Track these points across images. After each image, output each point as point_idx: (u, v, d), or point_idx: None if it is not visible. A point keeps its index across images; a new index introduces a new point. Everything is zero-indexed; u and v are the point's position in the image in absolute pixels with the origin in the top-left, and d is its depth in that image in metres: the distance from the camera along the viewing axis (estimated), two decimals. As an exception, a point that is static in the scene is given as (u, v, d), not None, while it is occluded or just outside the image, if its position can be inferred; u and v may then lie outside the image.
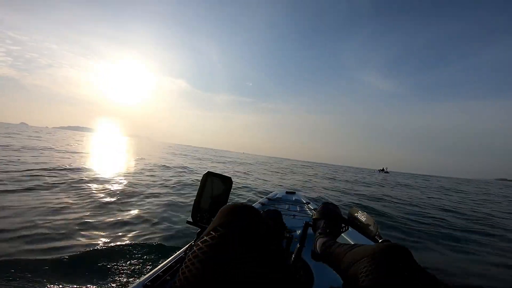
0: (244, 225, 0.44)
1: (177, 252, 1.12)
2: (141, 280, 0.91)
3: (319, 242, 0.90)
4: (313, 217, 1.13)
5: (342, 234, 1.53)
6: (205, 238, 0.42)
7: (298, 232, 1.96)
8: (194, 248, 0.42)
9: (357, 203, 7.01)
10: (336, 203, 1.27)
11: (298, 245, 1.09)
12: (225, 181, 1.15)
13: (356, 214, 2.46)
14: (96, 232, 2.77)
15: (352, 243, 1.64)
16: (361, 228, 2.27)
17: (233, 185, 1.17)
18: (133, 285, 0.88)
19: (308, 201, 2.98)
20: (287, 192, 3.42)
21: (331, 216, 1.07)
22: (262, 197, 3.26)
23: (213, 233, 0.42)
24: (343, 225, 1.08)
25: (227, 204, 0.54)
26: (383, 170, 68.91)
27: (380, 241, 1.86)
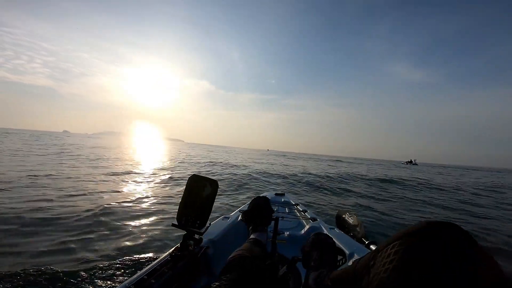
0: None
1: (162, 256, 1.11)
2: (124, 283, 0.90)
3: (312, 276, 0.72)
4: (303, 249, 0.90)
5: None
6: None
7: (286, 233, 1.90)
8: None
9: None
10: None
11: (288, 278, 0.88)
12: (211, 184, 1.13)
13: (343, 216, 2.37)
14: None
15: (343, 247, 1.51)
16: (347, 229, 2.18)
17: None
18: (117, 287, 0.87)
19: (298, 202, 2.93)
20: (276, 194, 3.38)
21: (325, 247, 0.86)
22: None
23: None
24: (340, 257, 0.88)
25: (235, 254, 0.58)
26: (411, 162, 65.72)
27: (366, 242, 1.78)
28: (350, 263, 1.00)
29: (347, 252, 1.38)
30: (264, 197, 1.29)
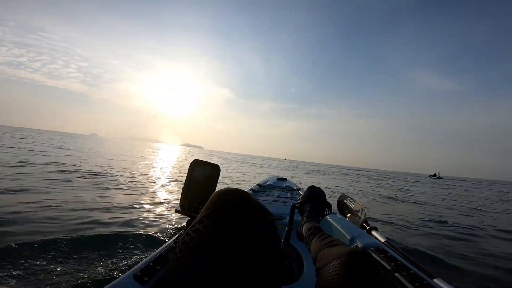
0: (228, 216, 0.39)
1: (168, 242, 1.10)
2: (131, 270, 0.89)
3: (305, 227, 0.93)
4: (300, 200, 1.17)
5: (331, 220, 1.62)
6: (189, 231, 0.39)
7: (287, 218, 1.89)
8: (182, 238, 0.40)
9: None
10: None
11: (286, 228, 1.17)
12: (213, 169, 1.12)
13: (345, 201, 2.34)
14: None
15: (341, 231, 1.53)
16: (349, 214, 2.13)
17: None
18: (123, 275, 0.87)
19: (299, 187, 2.92)
20: (278, 179, 3.38)
21: (316, 200, 1.12)
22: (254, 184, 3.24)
23: (198, 226, 0.39)
24: (326, 209, 1.11)
25: (217, 190, 0.48)
26: (435, 175, 62.44)
27: (368, 228, 1.79)
28: (348, 236, 1.33)
29: (347, 236, 1.44)
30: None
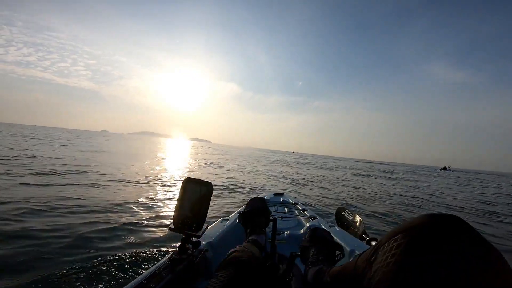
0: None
1: (162, 260, 1.10)
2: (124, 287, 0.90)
3: (311, 272, 0.71)
4: (301, 245, 0.94)
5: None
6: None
7: (286, 233, 1.92)
8: None
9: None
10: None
11: (288, 278, 0.88)
12: (206, 186, 1.11)
13: (343, 213, 2.30)
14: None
15: (343, 243, 1.47)
16: (347, 227, 2.10)
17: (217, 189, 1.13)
18: None
19: (296, 201, 2.89)
20: (274, 194, 3.35)
21: (322, 243, 0.89)
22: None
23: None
24: (337, 252, 0.88)
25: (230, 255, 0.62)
26: (445, 168, 61.84)
27: (367, 239, 1.71)
28: (351, 259, 0.97)
29: (347, 248, 1.39)
30: (261, 198, 1.30)
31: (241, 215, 1.22)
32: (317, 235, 0.92)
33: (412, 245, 0.29)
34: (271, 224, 1.22)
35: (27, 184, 4.81)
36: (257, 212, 1.21)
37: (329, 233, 0.96)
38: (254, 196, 3.05)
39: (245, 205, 1.33)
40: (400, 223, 0.31)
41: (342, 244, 1.41)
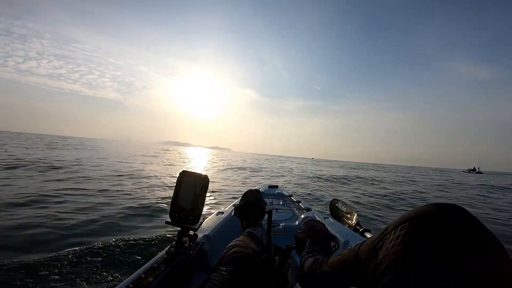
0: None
1: (160, 254, 1.11)
2: (123, 282, 0.91)
3: (308, 263, 0.70)
4: (296, 236, 0.92)
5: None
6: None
7: (281, 225, 1.92)
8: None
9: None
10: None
11: (284, 270, 0.88)
12: (202, 180, 1.11)
13: (337, 205, 2.28)
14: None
15: (337, 235, 1.46)
16: (341, 218, 2.07)
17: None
18: (117, 287, 0.89)
19: (291, 194, 2.90)
20: (269, 186, 3.34)
21: (317, 234, 0.88)
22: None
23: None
24: (332, 243, 0.86)
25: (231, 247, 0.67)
26: (474, 170, 57.35)
27: (360, 230, 1.69)
28: (345, 250, 0.91)
29: (341, 239, 1.39)
30: (256, 190, 1.29)
31: (237, 208, 1.22)
32: (312, 227, 0.92)
33: (419, 233, 0.29)
34: (266, 215, 1.22)
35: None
36: (253, 204, 1.21)
37: (324, 225, 0.95)
38: (249, 187, 3.08)
39: (240, 197, 1.33)
40: (406, 212, 0.33)
41: (337, 235, 1.42)
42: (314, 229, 0.90)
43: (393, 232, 0.31)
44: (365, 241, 0.42)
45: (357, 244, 0.46)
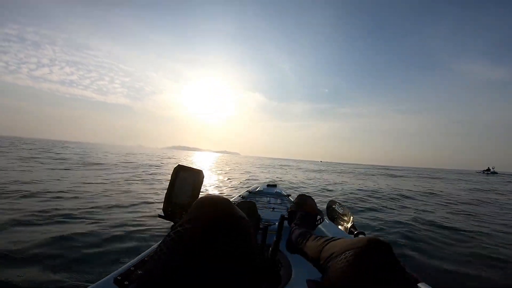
0: (210, 219, 0.43)
1: (151, 247, 1.09)
2: (111, 274, 0.90)
3: (294, 234, 0.87)
4: (289, 209, 1.10)
5: (319, 226, 1.54)
6: (171, 233, 0.43)
7: (277, 224, 1.84)
8: (164, 238, 0.44)
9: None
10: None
11: (275, 238, 1.07)
12: (197, 174, 1.08)
13: (333, 206, 2.23)
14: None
15: (329, 235, 1.46)
16: (337, 220, 2.02)
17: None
18: (103, 279, 0.88)
19: (289, 193, 2.91)
20: (268, 185, 3.35)
21: (307, 208, 1.05)
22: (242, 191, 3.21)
23: (179, 228, 0.43)
24: (318, 217, 1.04)
25: (201, 197, 0.53)
26: (488, 170, 55.29)
27: (355, 232, 1.69)
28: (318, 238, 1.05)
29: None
30: (252, 203, 1.25)
31: None
32: (304, 200, 1.10)
33: (354, 262, 0.42)
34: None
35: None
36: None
37: (314, 200, 1.12)
38: (246, 190, 3.08)
39: (236, 203, 1.30)
40: (356, 238, 0.49)
41: (329, 234, 1.42)
42: (304, 204, 1.08)
43: (342, 254, 0.46)
44: (334, 240, 0.57)
45: (328, 238, 0.61)
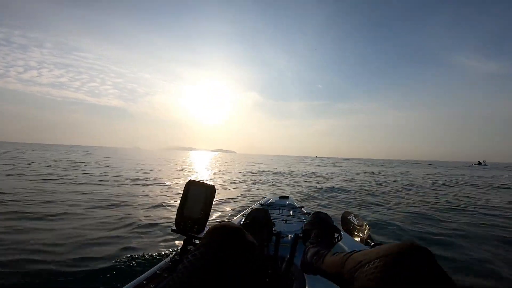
0: (220, 244, 0.48)
1: (163, 261, 1.10)
2: (125, 287, 0.90)
3: (310, 252, 0.79)
4: (304, 227, 1.01)
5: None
6: (189, 255, 0.48)
7: (290, 236, 1.82)
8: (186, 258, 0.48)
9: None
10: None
11: (287, 257, 1.01)
12: (209, 189, 1.09)
13: (349, 217, 2.20)
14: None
15: (346, 249, 1.45)
16: (353, 231, 2.00)
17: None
18: None
19: (301, 205, 2.84)
20: (280, 197, 3.30)
21: (323, 226, 0.96)
22: (254, 203, 3.16)
23: (196, 251, 0.48)
24: (336, 235, 0.95)
25: (214, 224, 0.58)
26: (479, 163, 57.02)
27: (372, 244, 1.61)
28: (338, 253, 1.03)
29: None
30: (265, 210, 1.24)
31: (243, 226, 1.17)
32: (319, 218, 1.01)
33: (386, 270, 0.36)
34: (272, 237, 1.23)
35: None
36: (259, 225, 1.16)
37: (330, 217, 1.02)
38: (258, 202, 3.10)
39: (248, 213, 1.29)
40: (387, 245, 0.43)
41: (346, 249, 1.38)
42: (321, 220, 0.99)
43: (372, 262, 0.40)
44: (355, 253, 0.51)
45: (349, 252, 0.55)
